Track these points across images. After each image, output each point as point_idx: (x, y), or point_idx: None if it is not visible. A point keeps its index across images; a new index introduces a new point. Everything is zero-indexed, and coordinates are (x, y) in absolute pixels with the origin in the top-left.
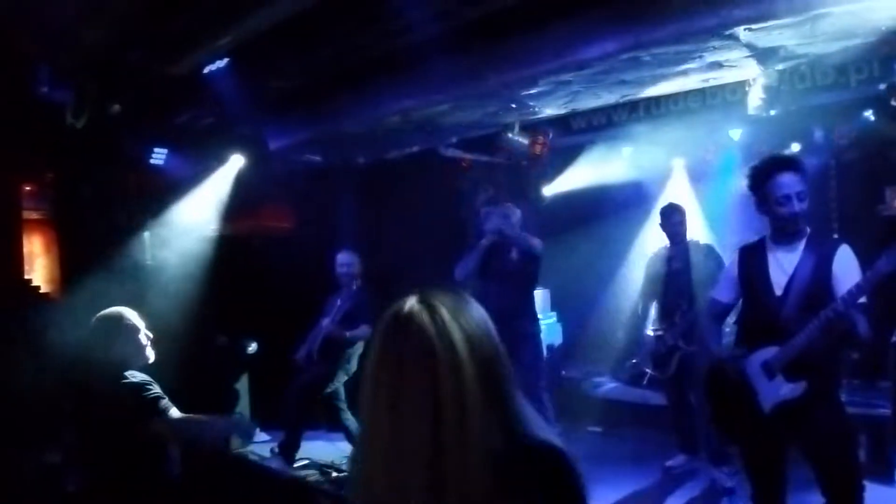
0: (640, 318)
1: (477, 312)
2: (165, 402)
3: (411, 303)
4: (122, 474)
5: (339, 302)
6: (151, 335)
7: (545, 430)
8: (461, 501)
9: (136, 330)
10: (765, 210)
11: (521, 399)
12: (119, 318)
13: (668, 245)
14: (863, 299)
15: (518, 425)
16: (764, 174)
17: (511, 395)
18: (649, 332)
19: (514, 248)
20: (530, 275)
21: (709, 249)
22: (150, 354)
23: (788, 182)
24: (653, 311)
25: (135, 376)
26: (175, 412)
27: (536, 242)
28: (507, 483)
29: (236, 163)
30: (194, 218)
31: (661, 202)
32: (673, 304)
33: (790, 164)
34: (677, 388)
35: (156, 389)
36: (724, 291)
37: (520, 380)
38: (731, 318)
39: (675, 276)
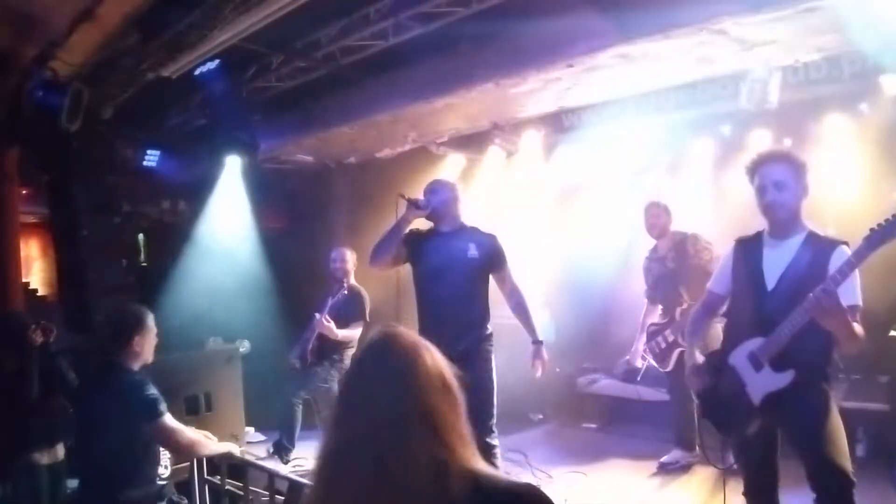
0: (644, 318)
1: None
2: (162, 407)
3: (381, 333)
4: (115, 473)
5: (330, 300)
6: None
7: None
8: None
9: (152, 330)
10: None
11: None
12: (142, 316)
13: (657, 242)
14: (858, 302)
15: (477, 472)
16: (751, 170)
17: (464, 438)
18: (650, 325)
19: (472, 242)
20: (486, 269)
21: (696, 240)
22: (151, 356)
23: (769, 172)
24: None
25: (134, 376)
26: (170, 419)
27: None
28: None
29: (229, 164)
30: (188, 218)
31: (650, 198)
32: (672, 300)
33: (775, 155)
34: (677, 383)
35: (153, 392)
36: (718, 282)
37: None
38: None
39: (672, 273)
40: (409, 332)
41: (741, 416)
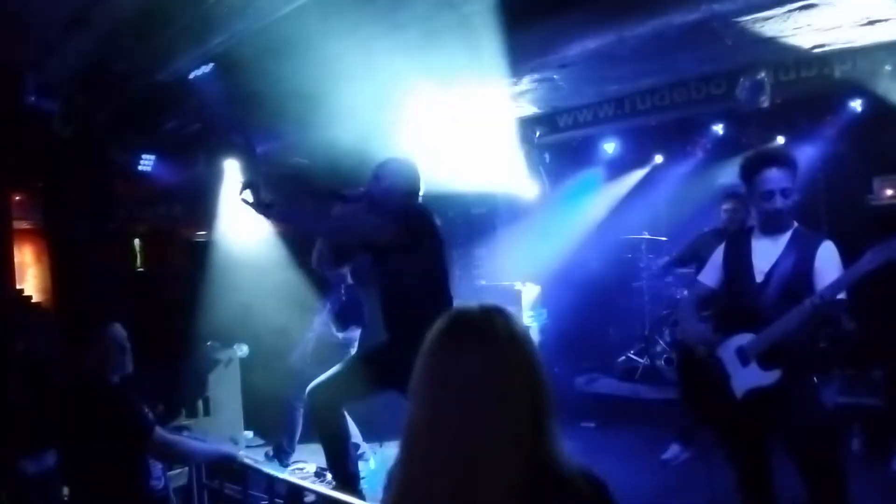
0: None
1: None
2: (148, 421)
3: (475, 310)
4: (103, 488)
5: (328, 304)
6: (128, 346)
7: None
8: None
9: (114, 340)
10: (752, 202)
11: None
12: (98, 329)
13: (726, 228)
14: (843, 296)
15: (554, 458)
16: (752, 168)
17: (551, 424)
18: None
19: (406, 224)
20: (433, 258)
21: None
22: (129, 365)
23: (774, 178)
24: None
25: (113, 392)
26: (159, 432)
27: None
28: None
29: (225, 167)
30: (184, 223)
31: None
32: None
33: (778, 159)
34: None
35: (136, 410)
36: (708, 275)
37: None
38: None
39: None
40: (511, 312)
41: (721, 408)
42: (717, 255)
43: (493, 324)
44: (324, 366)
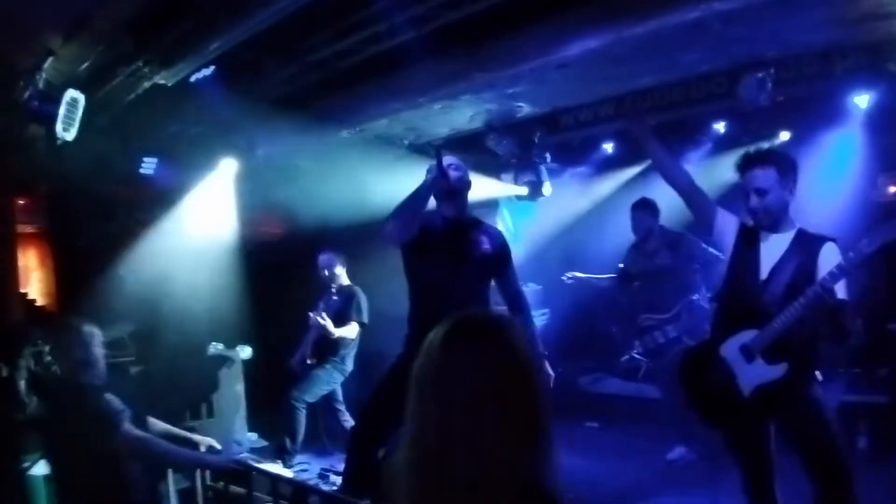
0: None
1: (523, 342)
2: (122, 416)
3: (480, 315)
4: (89, 495)
5: (322, 304)
6: (92, 340)
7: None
8: None
9: (90, 341)
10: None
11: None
12: (76, 330)
13: (640, 240)
14: (843, 296)
15: (541, 476)
16: (739, 168)
17: (544, 439)
18: (646, 318)
19: (484, 235)
20: (494, 269)
21: (680, 237)
22: (99, 362)
23: (752, 177)
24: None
25: (94, 390)
26: (128, 428)
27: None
28: None
29: (227, 170)
30: (186, 226)
31: (644, 195)
32: (672, 297)
33: (760, 158)
34: (675, 380)
35: (115, 404)
36: (724, 212)
37: None
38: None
39: (668, 270)
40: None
41: (729, 409)
42: (732, 227)
43: (495, 331)
44: (323, 367)
